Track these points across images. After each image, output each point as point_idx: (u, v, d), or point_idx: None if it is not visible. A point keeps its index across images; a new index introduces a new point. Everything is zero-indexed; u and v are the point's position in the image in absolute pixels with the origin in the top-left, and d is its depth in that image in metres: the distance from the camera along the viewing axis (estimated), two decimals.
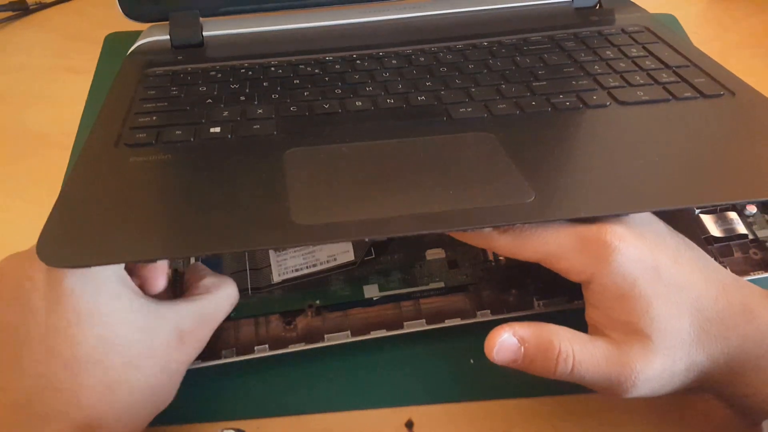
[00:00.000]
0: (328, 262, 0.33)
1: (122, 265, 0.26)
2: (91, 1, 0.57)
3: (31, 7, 0.56)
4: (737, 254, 0.33)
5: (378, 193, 0.28)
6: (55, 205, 0.27)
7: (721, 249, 0.33)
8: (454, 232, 0.28)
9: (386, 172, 0.29)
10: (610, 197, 0.27)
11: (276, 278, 0.32)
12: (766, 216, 0.35)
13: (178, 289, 0.31)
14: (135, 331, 0.25)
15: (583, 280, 0.26)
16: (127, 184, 0.29)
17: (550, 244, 0.26)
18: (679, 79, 0.36)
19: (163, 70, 0.39)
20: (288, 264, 0.33)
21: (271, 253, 0.33)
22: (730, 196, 0.28)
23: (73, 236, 0.25)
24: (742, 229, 0.34)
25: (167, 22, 0.43)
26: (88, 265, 0.24)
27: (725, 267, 0.32)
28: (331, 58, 0.40)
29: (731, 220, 0.34)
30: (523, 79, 0.37)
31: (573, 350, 0.25)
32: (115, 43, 0.51)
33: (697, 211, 0.35)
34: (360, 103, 0.35)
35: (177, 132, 0.32)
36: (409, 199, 0.27)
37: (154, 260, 0.28)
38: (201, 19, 0.43)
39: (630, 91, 0.35)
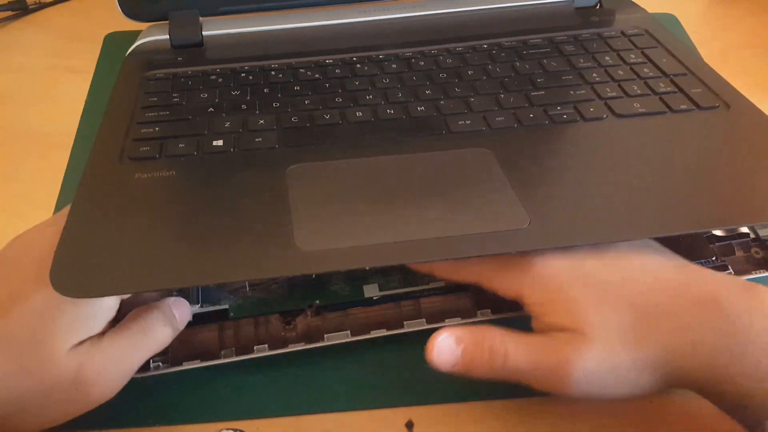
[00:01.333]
0: None
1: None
2: (91, 0, 0.57)
3: (30, 7, 0.56)
4: (739, 253, 0.33)
5: (378, 217, 0.28)
6: (64, 229, 0.27)
7: (722, 248, 0.33)
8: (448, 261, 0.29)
9: (386, 193, 0.30)
10: (604, 224, 0.28)
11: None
12: None
13: None
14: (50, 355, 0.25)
15: (515, 296, 0.27)
16: (134, 206, 0.29)
17: (483, 265, 0.28)
18: (676, 89, 0.36)
19: (164, 73, 0.39)
20: None
21: None
22: (729, 221, 0.29)
23: (85, 266, 0.26)
24: (743, 227, 0.34)
25: (167, 22, 0.43)
26: (100, 296, 0.25)
27: (727, 266, 0.32)
28: (331, 61, 0.40)
29: None
30: (521, 88, 0.37)
31: (506, 342, 0.26)
32: (114, 43, 0.51)
33: None
34: (360, 114, 0.35)
35: (180, 145, 0.33)
36: (409, 224, 0.28)
37: (162, 290, 0.28)
38: (200, 18, 0.43)
39: (627, 103, 0.35)
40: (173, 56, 0.41)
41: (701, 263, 0.32)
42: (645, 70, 0.38)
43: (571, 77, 0.38)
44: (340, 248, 0.27)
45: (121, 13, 0.42)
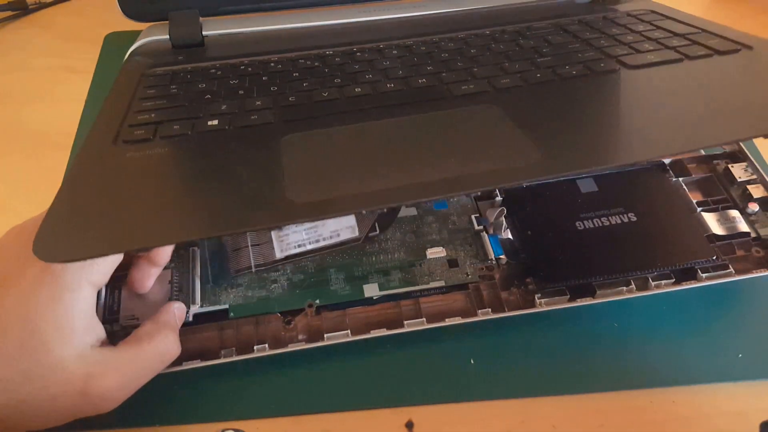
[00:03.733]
0: (331, 237, 0.32)
1: (94, 301, 0.26)
2: (91, 1, 0.57)
3: (30, 7, 0.56)
4: (739, 252, 0.33)
5: (377, 167, 0.27)
6: (51, 204, 0.27)
7: (723, 247, 0.33)
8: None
9: (385, 147, 0.28)
10: (618, 148, 0.26)
11: (279, 255, 0.32)
12: None
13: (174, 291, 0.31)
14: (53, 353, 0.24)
15: None
16: (124, 177, 0.28)
17: None
18: (691, 42, 0.35)
19: (163, 70, 0.39)
20: (290, 240, 0.32)
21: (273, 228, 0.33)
22: (739, 133, 0.27)
23: (67, 232, 0.25)
24: (744, 227, 0.34)
25: (167, 22, 0.43)
26: (83, 258, 0.24)
27: (727, 265, 0.32)
28: (331, 52, 0.39)
29: (733, 218, 0.34)
30: (526, 57, 0.35)
31: None
32: (114, 43, 0.51)
33: (699, 209, 0.35)
34: (359, 89, 0.34)
35: (175, 127, 0.32)
36: (409, 170, 0.26)
37: (147, 248, 0.27)
38: (201, 18, 0.43)
39: (639, 57, 0.34)
40: (174, 56, 0.41)
41: (702, 263, 0.32)
42: (655, 34, 0.37)
43: (577, 45, 0.36)
44: (334, 198, 0.25)
45: (121, 13, 0.42)
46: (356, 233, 0.32)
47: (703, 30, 0.37)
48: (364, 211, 0.26)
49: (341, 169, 0.27)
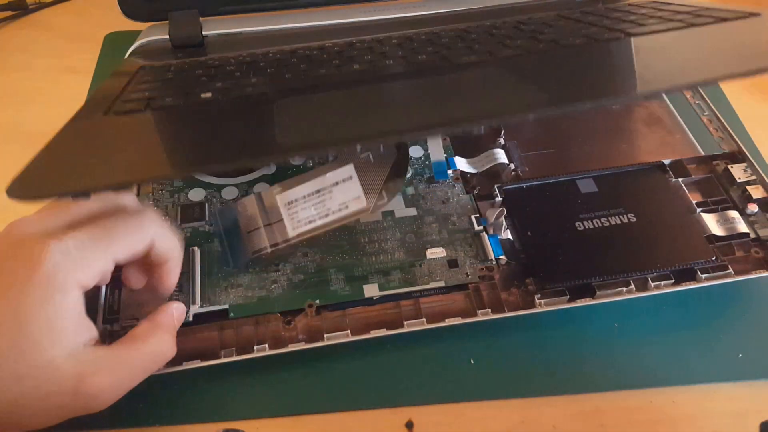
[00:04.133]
0: (339, 210, 0.32)
1: (82, 300, 0.26)
2: (91, 1, 0.57)
3: (30, 7, 0.56)
4: (739, 253, 0.33)
5: (370, 114, 0.27)
6: (32, 158, 0.26)
7: (722, 248, 0.33)
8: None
9: (382, 100, 0.28)
10: (622, 84, 0.26)
11: (291, 233, 0.32)
12: (767, 215, 0.35)
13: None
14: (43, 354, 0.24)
15: None
16: (109, 135, 0.28)
17: None
18: (696, 16, 0.35)
19: (162, 63, 0.39)
20: (300, 216, 0.32)
21: (282, 207, 0.32)
22: (747, 66, 0.25)
23: (42, 175, 0.24)
24: (743, 227, 0.34)
25: (167, 22, 0.43)
26: (54, 194, 0.23)
27: (727, 266, 0.32)
28: (330, 44, 0.39)
29: (733, 219, 0.34)
30: (528, 36, 0.35)
31: None
32: (114, 43, 0.51)
33: (698, 210, 0.35)
34: (357, 66, 0.33)
35: (167, 99, 0.31)
36: (403, 116, 0.26)
37: (120, 186, 0.26)
38: (200, 18, 0.43)
39: (643, 28, 0.34)
40: (173, 55, 0.41)
41: (701, 263, 0.32)
42: (659, 14, 0.37)
43: (580, 25, 0.36)
44: (327, 137, 0.24)
45: (121, 13, 0.42)
46: (364, 204, 0.32)
47: (708, 8, 0.36)
48: (358, 147, 0.25)
49: (335, 118, 0.27)
